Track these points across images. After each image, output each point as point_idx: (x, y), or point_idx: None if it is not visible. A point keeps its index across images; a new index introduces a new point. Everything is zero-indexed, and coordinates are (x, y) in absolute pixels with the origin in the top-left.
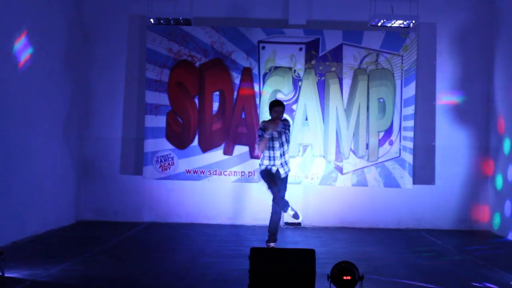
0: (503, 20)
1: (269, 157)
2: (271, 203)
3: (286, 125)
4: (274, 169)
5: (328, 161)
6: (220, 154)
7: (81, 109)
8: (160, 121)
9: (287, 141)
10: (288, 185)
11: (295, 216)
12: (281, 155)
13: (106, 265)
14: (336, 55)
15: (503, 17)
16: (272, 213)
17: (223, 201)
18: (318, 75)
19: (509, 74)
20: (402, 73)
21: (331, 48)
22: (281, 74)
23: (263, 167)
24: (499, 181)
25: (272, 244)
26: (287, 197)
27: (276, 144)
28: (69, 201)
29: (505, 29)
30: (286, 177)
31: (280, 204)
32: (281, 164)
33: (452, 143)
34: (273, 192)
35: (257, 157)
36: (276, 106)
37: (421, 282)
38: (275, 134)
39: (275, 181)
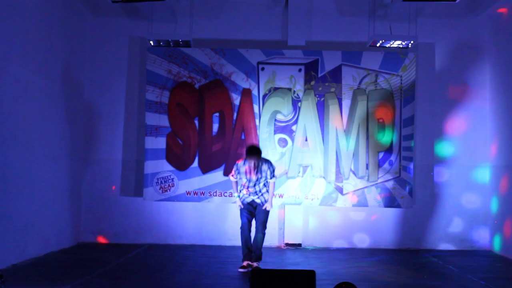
0: (496, 37)
1: (246, 186)
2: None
3: (266, 171)
4: (247, 199)
5: (328, 182)
6: (220, 175)
7: (81, 131)
8: (160, 143)
9: (271, 176)
10: (288, 206)
11: (244, 268)
12: (256, 192)
13: None
14: (335, 75)
15: (496, 38)
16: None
17: (224, 222)
18: (317, 95)
19: (499, 93)
20: (401, 93)
21: (330, 68)
22: (280, 95)
23: (240, 195)
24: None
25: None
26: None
27: (254, 178)
28: (69, 223)
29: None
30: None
31: (256, 234)
32: (256, 192)
33: (452, 162)
34: (241, 225)
35: None
36: (249, 155)
37: None
38: (254, 177)
39: (247, 213)
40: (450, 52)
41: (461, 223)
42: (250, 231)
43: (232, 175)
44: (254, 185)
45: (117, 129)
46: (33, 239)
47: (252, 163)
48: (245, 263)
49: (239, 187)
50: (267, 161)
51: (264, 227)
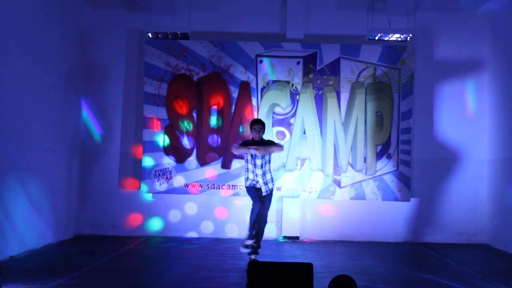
0: (497, 33)
1: (253, 173)
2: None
3: (270, 142)
4: (258, 185)
5: (326, 175)
6: (218, 168)
7: (79, 124)
8: (158, 135)
9: (269, 161)
10: (286, 199)
11: (247, 247)
12: (263, 173)
13: (104, 280)
14: (334, 68)
15: (496, 30)
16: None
17: (221, 215)
18: (315, 88)
19: (497, 87)
20: (399, 86)
21: (328, 62)
22: (279, 88)
23: (248, 183)
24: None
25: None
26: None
27: (258, 162)
28: (67, 216)
29: (494, 43)
30: (270, 194)
31: (262, 221)
32: (264, 182)
33: (450, 156)
34: (254, 208)
35: None
36: (255, 124)
37: None
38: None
39: (259, 197)
40: (449, 45)
41: (458, 216)
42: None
43: (234, 146)
44: (262, 166)
45: (115, 122)
46: (31, 231)
47: (257, 132)
48: (250, 242)
49: (247, 175)
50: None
51: (266, 221)
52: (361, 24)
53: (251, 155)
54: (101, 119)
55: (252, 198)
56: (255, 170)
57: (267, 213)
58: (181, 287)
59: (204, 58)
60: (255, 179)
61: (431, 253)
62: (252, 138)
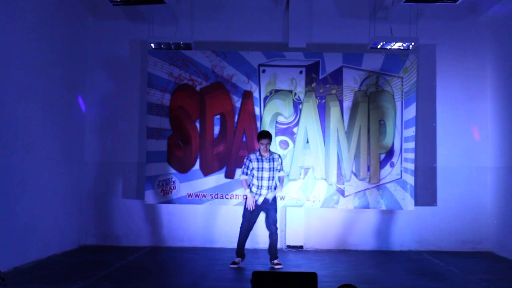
0: (499, 40)
1: (257, 186)
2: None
3: (277, 161)
4: (259, 199)
5: (330, 184)
6: (221, 178)
7: (83, 134)
8: (161, 145)
9: (279, 170)
10: (290, 208)
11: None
12: (268, 186)
13: None
14: (336, 77)
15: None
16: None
17: (225, 224)
18: (318, 97)
19: (500, 94)
20: (402, 95)
21: (331, 70)
22: (281, 97)
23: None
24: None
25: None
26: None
27: (266, 175)
28: (71, 226)
29: (496, 51)
30: (274, 201)
31: (273, 230)
32: (269, 188)
33: (453, 164)
34: (242, 226)
35: None
36: (262, 138)
37: None
38: (266, 166)
39: (250, 218)
40: (451, 54)
41: (462, 224)
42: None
43: (244, 172)
44: (268, 179)
45: (118, 132)
46: (35, 242)
47: (264, 146)
48: (238, 260)
49: (251, 187)
50: (276, 153)
51: (277, 226)
52: (363, 32)
53: (258, 169)
54: (104, 129)
55: (244, 215)
56: (261, 182)
57: (274, 227)
58: None
59: (206, 68)
60: (257, 192)
61: (436, 261)
62: (259, 150)
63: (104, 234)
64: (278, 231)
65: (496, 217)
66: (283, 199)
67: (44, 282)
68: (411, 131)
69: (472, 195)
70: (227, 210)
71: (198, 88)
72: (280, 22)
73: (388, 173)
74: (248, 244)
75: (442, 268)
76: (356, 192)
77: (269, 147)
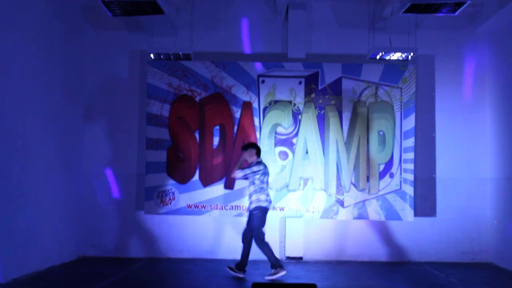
0: (497, 50)
1: (266, 194)
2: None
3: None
4: (270, 207)
5: (329, 195)
6: (221, 189)
7: (82, 144)
8: (160, 156)
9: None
10: (289, 219)
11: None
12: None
13: None
14: (336, 88)
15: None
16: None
17: (225, 235)
18: (317, 108)
19: (499, 105)
20: (401, 105)
21: (330, 81)
22: (281, 108)
23: (264, 204)
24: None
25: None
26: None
27: (270, 180)
28: (70, 237)
29: (495, 61)
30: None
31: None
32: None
33: (453, 174)
34: (263, 234)
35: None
36: (259, 152)
37: None
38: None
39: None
40: (450, 64)
41: (462, 235)
42: None
43: (245, 174)
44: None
45: (118, 143)
46: (34, 253)
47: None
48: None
49: (255, 195)
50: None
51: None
52: (363, 43)
53: (262, 174)
54: (103, 140)
55: (262, 224)
56: (267, 191)
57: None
58: None
59: (206, 78)
60: (268, 199)
61: (436, 272)
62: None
63: (103, 246)
64: (278, 243)
65: (496, 229)
66: (283, 210)
67: None
68: (410, 142)
69: (472, 206)
70: (226, 221)
71: (197, 98)
72: (279, 32)
73: (387, 183)
74: (249, 256)
75: (442, 279)
76: (355, 203)
77: (248, 158)
